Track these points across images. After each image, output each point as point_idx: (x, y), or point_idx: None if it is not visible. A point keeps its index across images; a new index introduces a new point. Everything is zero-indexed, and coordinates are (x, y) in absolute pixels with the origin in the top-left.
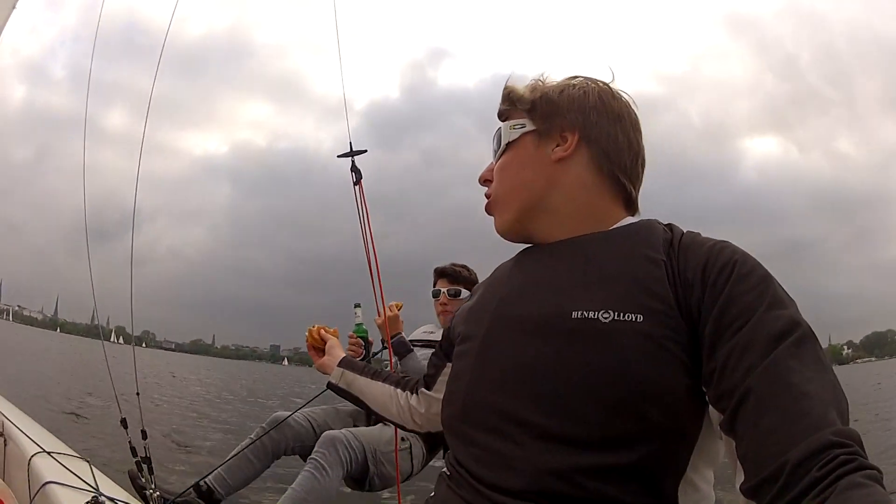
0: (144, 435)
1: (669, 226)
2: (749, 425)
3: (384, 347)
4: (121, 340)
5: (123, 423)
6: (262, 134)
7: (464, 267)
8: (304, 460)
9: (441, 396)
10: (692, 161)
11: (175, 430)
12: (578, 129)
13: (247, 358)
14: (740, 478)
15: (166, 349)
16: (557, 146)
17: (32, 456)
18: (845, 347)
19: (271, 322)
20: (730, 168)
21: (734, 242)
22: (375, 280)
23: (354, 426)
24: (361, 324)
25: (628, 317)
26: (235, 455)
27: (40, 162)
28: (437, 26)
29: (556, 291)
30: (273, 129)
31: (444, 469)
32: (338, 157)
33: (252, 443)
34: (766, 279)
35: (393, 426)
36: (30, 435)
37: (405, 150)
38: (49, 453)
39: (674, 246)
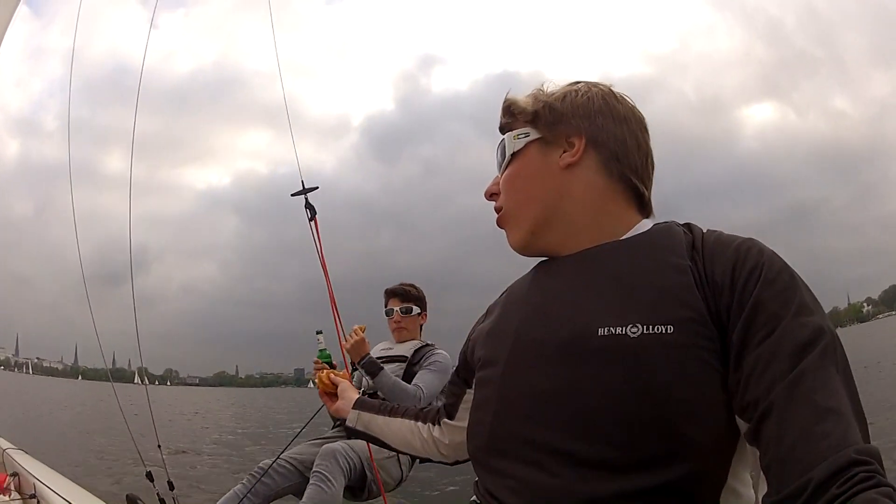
0: (171, 486)
1: (688, 226)
2: (772, 440)
3: (354, 369)
4: (147, 381)
5: (149, 476)
6: (263, 162)
7: (412, 286)
8: (298, 496)
9: (464, 425)
10: (691, 138)
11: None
12: (585, 134)
13: (272, 385)
14: (763, 488)
15: (190, 384)
16: (564, 152)
17: None
18: (865, 304)
19: (292, 347)
20: (730, 139)
21: (741, 213)
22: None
23: None
24: (325, 349)
25: (658, 329)
26: None
27: (42, 214)
28: (425, 33)
29: (579, 309)
30: (272, 156)
31: (474, 498)
32: (291, 195)
33: (240, 498)
34: (793, 283)
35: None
36: (62, 494)
37: (405, 162)
38: None
39: (697, 248)
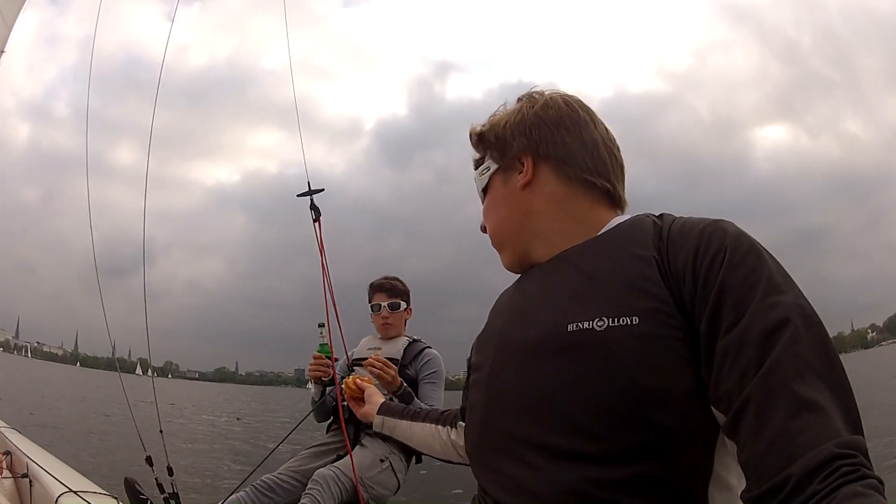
0: (171, 471)
1: (661, 216)
2: (750, 435)
3: (349, 372)
4: (149, 372)
5: (148, 460)
6: (273, 161)
7: (398, 280)
8: None
9: None
10: (703, 158)
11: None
12: (529, 151)
13: (272, 384)
14: (742, 483)
15: (190, 378)
16: (519, 174)
17: (59, 496)
18: (869, 331)
19: (293, 347)
20: (741, 161)
21: (753, 235)
22: (333, 309)
23: (337, 458)
24: (326, 343)
25: (623, 321)
26: None
27: (49, 202)
28: (442, 40)
29: (553, 308)
30: (283, 155)
31: (476, 495)
32: (297, 196)
33: None
34: (760, 263)
35: (368, 447)
36: (55, 475)
37: (417, 168)
38: (76, 492)
39: (663, 237)
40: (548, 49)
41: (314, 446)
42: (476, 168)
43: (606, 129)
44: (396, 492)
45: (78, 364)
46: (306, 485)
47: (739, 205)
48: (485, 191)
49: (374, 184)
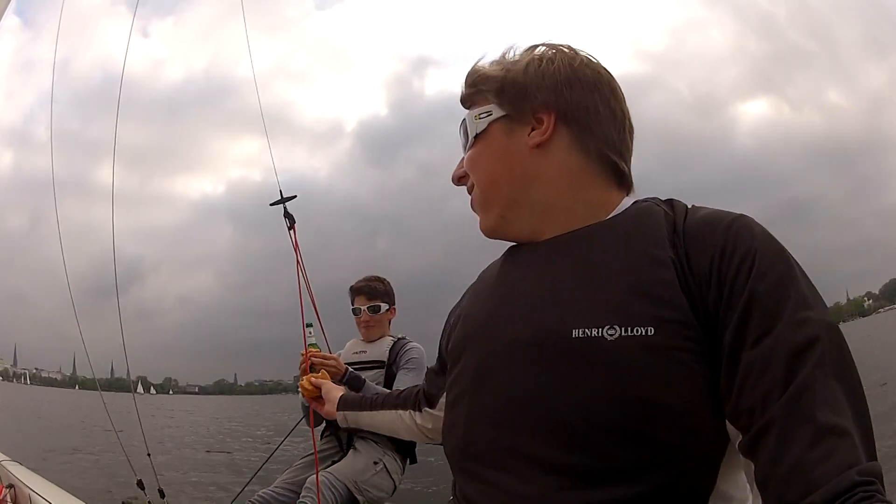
0: (162, 494)
1: (671, 203)
2: (771, 458)
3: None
4: (152, 391)
5: (139, 484)
6: (257, 169)
7: (378, 280)
8: None
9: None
10: (687, 136)
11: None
12: (554, 108)
13: (272, 392)
14: (742, 495)
15: (190, 393)
16: (533, 130)
17: None
18: (866, 299)
19: (291, 355)
20: (725, 137)
21: (738, 211)
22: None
23: (332, 465)
24: (314, 343)
25: (637, 331)
26: None
27: (36, 227)
28: (417, 36)
29: (553, 305)
30: (266, 163)
31: (451, 498)
32: (270, 205)
33: None
34: (790, 273)
35: (361, 451)
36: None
37: (401, 166)
38: None
39: (678, 232)
40: (522, 36)
41: (308, 456)
42: (465, 105)
43: (628, 109)
44: (393, 493)
45: (77, 387)
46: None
47: (725, 181)
48: (477, 137)
49: (358, 185)
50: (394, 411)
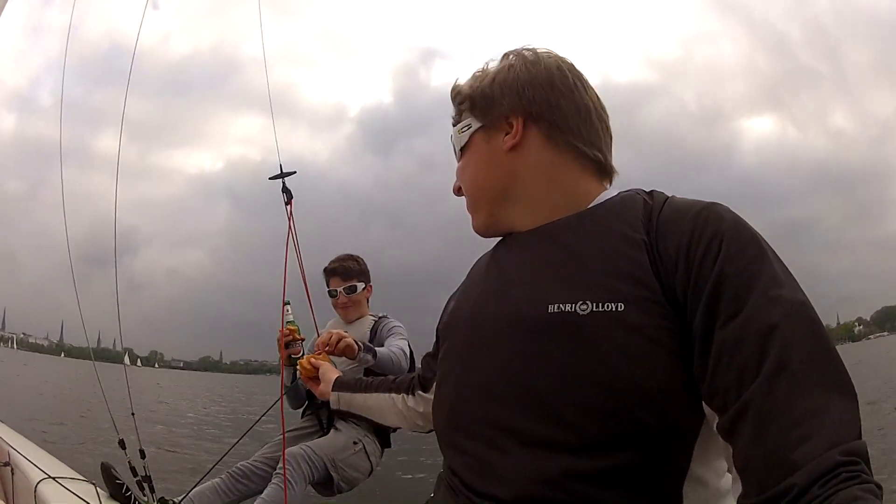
0: (143, 454)
1: (651, 193)
2: (750, 440)
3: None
4: (138, 363)
5: (121, 444)
6: (256, 149)
7: (352, 258)
8: None
9: None
10: (690, 148)
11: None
12: (520, 111)
13: (257, 372)
14: (738, 488)
15: (175, 368)
16: (507, 135)
17: (38, 482)
18: (856, 324)
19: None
20: (728, 152)
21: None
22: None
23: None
24: (292, 320)
25: (608, 306)
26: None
27: (35, 192)
28: (428, 27)
29: (531, 285)
30: (266, 143)
31: (441, 472)
32: (269, 178)
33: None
34: (760, 254)
35: (342, 430)
36: (35, 462)
37: (400, 156)
38: (55, 479)
39: (653, 219)
40: (534, 37)
41: (291, 430)
42: (454, 125)
43: (598, 96)
44: (369, 475)
45: (62, 355)
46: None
47: (724, 196)
48: (462, 150)
49: (357, 172)
50: (387, 394)
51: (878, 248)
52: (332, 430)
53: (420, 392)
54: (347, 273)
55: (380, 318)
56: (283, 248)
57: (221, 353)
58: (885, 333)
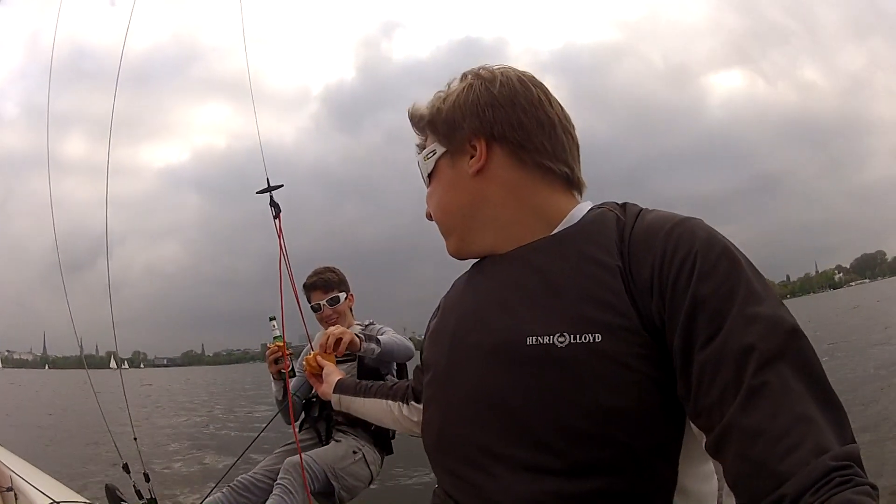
0: (147, 478)
1: (624, 208)
2: (736, 458)
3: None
4: (125, 365)
5: (125, 468)
6: (223, 137)
7: (330, 270)
8: None
9: None
10: (658, 105)
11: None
12: (481, 134)
13: (240, 361)
14: (707, 490)
15: (159, 366)
16: (472, 158)
17: None
18: (836, 272)
19: (257, 323)
20: (697, 108)
21: (708, 183)
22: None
23: None
24: (280, 336)
25: (585, 338)
26: None
27: (4, 206)
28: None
29: (510, 313)
30: (232, 129)
31: (436, 488)
32: (257, 193)
33: None
34: (736, 269)
35: (341, 441)
36: (39, 486)
37: (368, 130)
38: (60, 503)
39: (625, 240)
40: (495, 2)
41: (287, 444)
42: (419, 152)
43: (562, 108)
44: (370, 483)
45: (46, 367)
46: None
47: (695, 151)
48: (430, 176)
49: (325, 150)
50: (384, 401)
51: (853, 199)
52: (332, 442)
53: (413, 402)
54: (327, 285)
55: (367, 325)
56: (252, 235)
57: (203, 345)
58: (867, 280)
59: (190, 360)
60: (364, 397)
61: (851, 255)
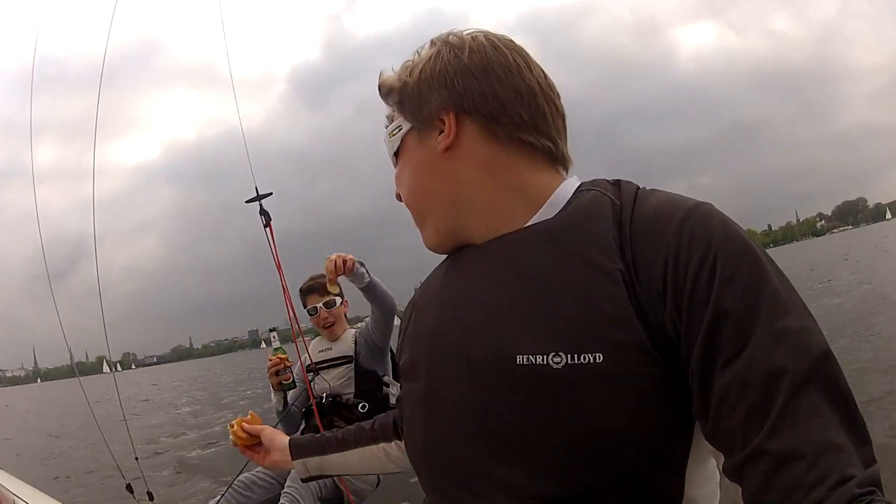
0: (151, 496)
1: (618, 188)
2: (763, 483)
3: (309, 380)
4: (118, 368)
5: (129, 488)
6: (190, 127)
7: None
8: None
9: None
10: (627, 59)
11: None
12: (450, 106)
13: (229, 350)
14: (710, 497)
15: (149, 365)
16: (441, 134)
17: None
18: (818, 220)
19: (243, 309)
20: (667, 61)
21: (681, 133)
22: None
23: None
24: (280, 347)
25: (584, 358)
26: None
27: None
28: None
29: (493, 320)
30: (198, 119)
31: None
32: (246, 202)
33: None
34: (759, 272)
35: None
36: None
37: (335, 105)
38: None
39: (625, 232)
40: None
41: None
42: (388, 124)
43: (544, 74)
44: (377, 486)
45: (38, 380)
46: (283, 484)
47: (667, 104)
48: (397, 154)
49: (294, 129)
50: (375, 446)
51: (831, 145)
52: None
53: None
54: (325, 289)
55: (359, 328)
56: (231, 218)
57: (191, 339)
58: (850, 227)
59: (180, 355)
60: (341, 451)
61: (832, 202)
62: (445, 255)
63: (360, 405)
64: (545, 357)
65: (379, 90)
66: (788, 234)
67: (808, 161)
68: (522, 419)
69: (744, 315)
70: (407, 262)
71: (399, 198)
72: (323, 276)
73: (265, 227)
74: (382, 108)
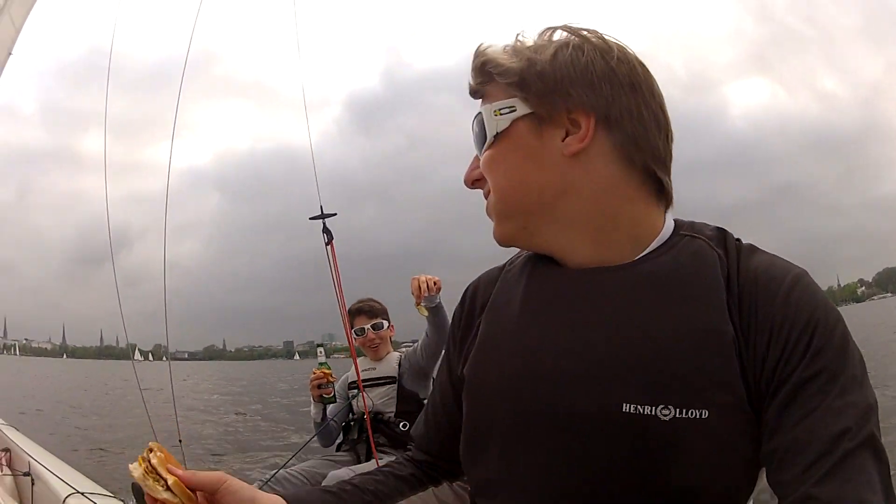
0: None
1: (723, 240)
2: None
3: (351, 397)
4: (150, 357)
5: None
6: (243, 138)
7: (374, 301)
8: None
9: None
10: (680, 115)
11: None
12: (592, 109)
13: (262, 357)
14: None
15: (180, 359)
16: (568, 134)
17: (67, 497)
18: (859, 285)
19: (279, 321)
20: (719, 117)
21: (728, 191)
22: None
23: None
24: (325, 362)
25: (692, 413)
26: None
27: (23, 199)
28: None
29: (598, 368)
30: (252, 132)
31: None
32: (310, 219)
33: None
34: (845, 348)
35: (386, 460)
36: (62, 476)
37: (388, 134)
38: (83, 494)
39: (733, 292)
40: (518, 11)
41: (327, 457)
42: (476, 97)
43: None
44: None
45: (65, 356)
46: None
47: (717, 159)
48: (497, 136)
49: (345, 153)
50: (423, 493)
51: (873, 210)
52: (373, 460)
53: (454, 481)
54: (372, 311)
55: (405, 352)
56: (274, 234)
57: (224, 341)
58: (889, 294)
59: (212, 354)
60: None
61: (873, 268)
62: (509, 250)
63: (402, 423)
64: (654, 409)
65: (484, 63)
66: (830, 298)
67: (850, 226)
68: (617, 472)
69: (824, 383)
70: (446, 295)
71: (472, 184)
72: (370, 299)
73: (327, 245)
74: (431, 144)
